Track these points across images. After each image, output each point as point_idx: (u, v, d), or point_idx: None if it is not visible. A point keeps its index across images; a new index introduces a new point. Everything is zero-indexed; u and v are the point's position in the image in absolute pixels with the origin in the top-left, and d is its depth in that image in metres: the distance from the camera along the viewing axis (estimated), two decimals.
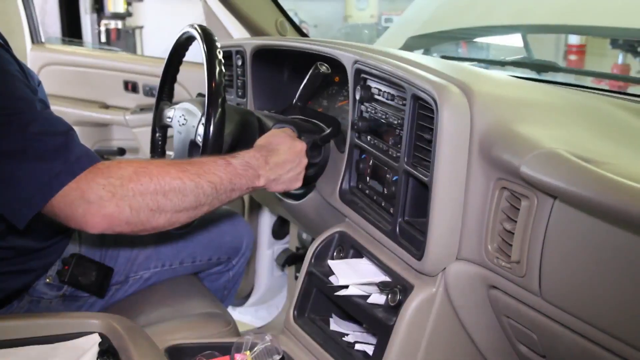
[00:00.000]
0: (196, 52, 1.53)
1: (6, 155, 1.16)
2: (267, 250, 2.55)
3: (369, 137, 1.44)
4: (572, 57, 5.92)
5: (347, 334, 1.42)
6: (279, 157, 1.43)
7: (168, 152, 1.72)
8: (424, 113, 1.22)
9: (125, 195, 1.20)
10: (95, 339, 1.18)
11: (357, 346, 1.38)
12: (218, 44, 1.44)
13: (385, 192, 1.38)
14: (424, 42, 2.60)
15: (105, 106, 2.88)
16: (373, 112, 1.42)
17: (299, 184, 1.48)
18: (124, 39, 6.79)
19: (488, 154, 1.11)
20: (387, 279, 1.33)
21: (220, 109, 1.36)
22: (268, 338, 1.27)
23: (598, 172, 0.91)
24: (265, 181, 1.40)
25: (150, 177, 1.23)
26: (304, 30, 2.54)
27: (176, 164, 1.29)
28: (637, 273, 0.90)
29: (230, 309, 2.07)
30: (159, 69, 1.71)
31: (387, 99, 1.37)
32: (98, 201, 1.18)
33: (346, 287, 1.35)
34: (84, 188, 1.18)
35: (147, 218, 1.24)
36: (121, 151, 2.86)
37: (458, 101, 1.14)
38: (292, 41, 1.83)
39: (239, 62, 1.96)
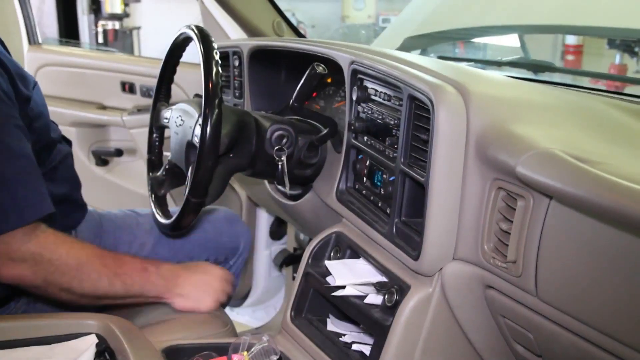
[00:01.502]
0: (193, 53, 1.53)
1: None
2: (265, 250, 2.55)
3: (365, 138, 1.44)
4: (570, 57, 5.92)
5: (344, 335, 1.42)
6: (192, 277, 1.54)
7: (165, 153, 1.73)
8: (420, 113, 1.23)
9: (45, 270, 1.34)
10: (93, 339, 1.18)
11: (354, 346, 1.38)
12: (215, 45, 1.44)
13: (382, 192, 1.38)
14: (421, 42, 2.60)
15: (103, 107, 2.88)
16: (370, 112, 1.42)
17: (208, 303, 1.54)
18: (121, 39, 6.78)
19: (484, 154, 1.11)
20: (383, 279, 1.33)
21: (217, 110, 1.36)
22: (265, 338, 1.27)
23: (594, 172, 0.91)
24: (174, 297, 1.51)
25: (77, 263, 1.37)
26: (302, 31, 2.54)
27: (102, 256, 1.43)
28: (633, 273, 0.90)
29: (227, 310, 2.07)
30: (156, 70, 1.72)
31: (383, 100, 1.37)
32: (19, 262, 1.31)
33: (343, 287, 1.35)
34: (13, 247, 1.31)
35: (54, 292, 1.39)
36: (118, 152, 2.86)
37: (454, 101, 1.14)
38: (289, 42, 1.84)
39: (236, 63, 1.96)
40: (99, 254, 1.43)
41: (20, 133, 1.34)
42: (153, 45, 6.58)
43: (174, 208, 1.57)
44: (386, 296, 1.29)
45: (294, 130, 1.56)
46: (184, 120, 1.53)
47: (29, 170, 1.33)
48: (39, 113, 1.48)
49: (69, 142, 1.67)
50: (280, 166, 1.55)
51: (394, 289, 1.28)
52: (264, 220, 2.52)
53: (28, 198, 1.31)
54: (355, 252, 1.44)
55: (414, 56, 1.70)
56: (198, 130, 1.42)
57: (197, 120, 1.46)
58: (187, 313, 1.58)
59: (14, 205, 1.29)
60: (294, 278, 1.54)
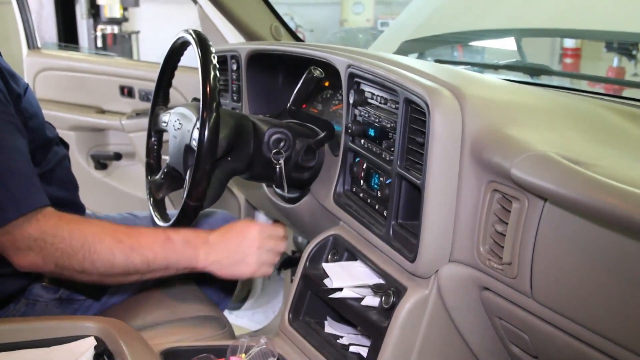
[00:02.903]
0: (191, 57, 1.54)
1: None
2: None
3: (362, 141, 1.45)
4: (568, 61, 5.93)
5: (341, 337, 1.43)
6: (223, 237, 1.40)
7: (163, 157, 1.73)
8: (417, 116, 1.23)
9: (52, 254, 1.28)
10: (91, 342, 1.19)
11: (352, 348, 1.38)
12: (213, 49, 1.45)
13: (379, 195, 1.39)
14: (418, 46, 2.61)
15: (102, 111, 2.89)
16: (366, 115, 1.43)
17: (246, 270, 1.41)
18: (120, 44, 6.78)
19: (479, 156, 1.12)
20: (380, 281, 1.34)
21: (215, 114, 1.37)
22: (263, 341, 1.28)
23: (588, 174, 0.92)
24: (205, 262, 1.37)
25: (83, 242, 1.28)
26: (300, 35, 2.55)
27: (114, 232, 1.32)
28: (627, 274, 0.90)
29: (226, 313, 2.07)
30: (155, 74, 1.72)
31: (380, 103, 1.38)
32: (26, 250, 1.27)
33: (340, 289, 1.36)
34: (16, 236, 1.26)
35: (73, 276, 1.32)
36: (117, 156, 2.87)
37: (450, 104, 1.15)
38: (287, 46, 1.84)
39: (234, 67, 1.97)
40: (110, 230, 1.33)
41: (13, 129, 1.34)
42: (152, 50, 6.58)
43: (173, 211, 1.57)
44: (383, 298, 1.29)
45: (292, 134, 1.57)
46: (182, 124, 1.54)
47: (21, 164, 1.31)
48: (33, 113, 1.48)
49: (66, 145, 1.67)
50: (278, 169, 1.56)
51: (391, 291, 1.28)
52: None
53: (22, 191, 1.29)
54: (353, 255, 1.44)
55: (410, 60, 1.70)
56: (196, 134, 1.42)
57: (195, 124, 1.46)
58: (183, 316, 1.59)
59: (11, 197, 1.27)
60: (292, 281, 1.54)
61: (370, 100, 1.42)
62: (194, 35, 1.48)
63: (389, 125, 1.35)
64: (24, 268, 1.30)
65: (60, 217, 1.31)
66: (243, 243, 1.40)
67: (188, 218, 1.45)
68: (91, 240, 1.29)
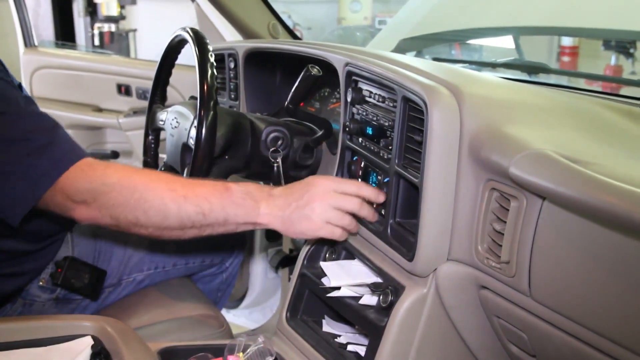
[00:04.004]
0: (189, 55, 1.53)
1: None
2: (261, 252, 2.55)
3: (360, 139, 1.44)
4: (565, 59, 5.93)
5: (339, 335, 1.43)
6: (287, 190, 1.29)
7: (161, 155, 1.73)
8: (414, 115, 1.23)
9: (105, 205, 1.21)
10: (88, 341, 1.18)
11: (350, 347, 1.38)
12: (210, 47, 1.45)
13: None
14: (416, 44, 2.61)
15: (99, 109, 2.89)
16: (364, 114, 1.43)
17: (309, 227, 1.27)
18: (117, 42, 6.78)
19: (477, 155, 1.11)
20: (378, 280, 1.34)
21: (212, 112, 1.37)
22: (261, 340, 1.27)
23: (586, 172, 0.91)
24: (266, 217, 1.26)
25: (132, 191, 1.21)
26: (298, 33, 2.55)
27: (167, 181, 1.24)
28: (625, 272, 0.90)
29: (224, 312, 2.07)
30: (152, 72, 1.72)
31: (378, 101, 1.37)
32: (81, 204, 1.21)
33: (338, 288, 1.36)
34: (69, 190, 1.20)
35: (128, 228, 1.24)
36: (115, 154, 2.87)
37: (447, 103, 1.15)
38: (284, 44, 1.84)
39: (232, 65, 1.96)
40: (162, 178, 1.24)
41: (31, 101, 1.31)
42: (149, 48, 6.57)
43: None
44: (381, 297, 1.29)
45: (289, 132, 1.57)
46: (179, 122, 1.54)
47: (49, 123, 1.26)
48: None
49: None
50: (275, 168, 1.56)
51: (389, 289, 1.28)
52: None
53: (70, 144, 1.24)
54: (351, 253, 1.44)
55: (408, 58, 1.70)
56: (193, 132, 1.42)
57: (193, 123, 1.46)
58: (181, 315, 1.59)
59: (66, 148, 1.21)
60: (289, 279, 1.54)
61: (368, 99, 1.41)
62: (191, 33, 1.48)
63: (386, 124, 1.35)
64: (85, 221, 1.23)
65: (108, 166, 1.24)
66: (306, 196, 1.26)
67: None
68: (141, 188, 1.21)
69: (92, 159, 1.24)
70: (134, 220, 1.22)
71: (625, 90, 2.50)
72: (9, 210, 1.20)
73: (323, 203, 1.26)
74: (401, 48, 2.48)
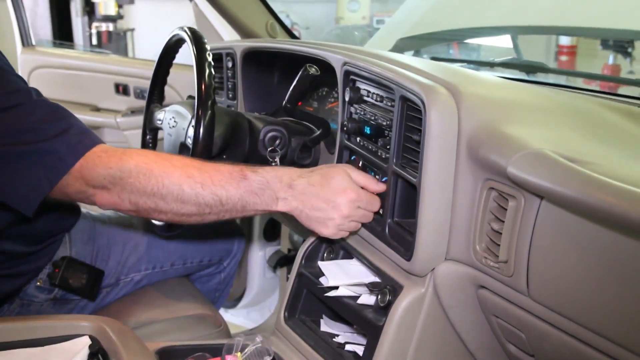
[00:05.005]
0: (187, 55, 1.53)
1: (10, 147, 1.16)
2: (259, 252, 2.55)
3: (358, 139, 1.44)
4: (563, 58, 5.93)
5: (337, 335, 1.43)
6: (310, 187, 1.28)
7: None
8: (412, 114, 1.23)
9: (123, 190, 1.20)
10: (86, 341, 1.18)
11: (348, 347, 1.38)
12: (208, 46, 1.45)
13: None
14: (414, 43, 2.61)
15: (97, 109, 2.88)
16: (362, 113, 1.43)
17: (323, 231, 1.30)
18: (115, 41, 6.77)
19: (476, 154, 1.11)
20: (376, 279, 1.34)
21: (210, 111, 1.37)
22: (259, 339, 1.27)
23: (584, 172, 0.91)
24: (285, 207, 1.27)
25: (149, 177, 1.20)
26: (296, 32, 2.55)
27: (184, 166, 1.24)
28: (624, 272, 0.90)
29: (222, 311, 2.07)
30: (150, 72, 1.72)
31: (376, 101, 1.37)
32: (101, 189, 1.20)
33: (336, 288, 1.35)
34: (86, 176, 1.19)
35: (147, 213, 1.25)
36: None
37: (446, 102, 1.15)
38: (282, 43, 1.84)
39: (229, 64, 1.96)
40: (180, 164, 1.23)
41: (39, 93, 1.32)
42: (147, 47, 6.57)
43: None
44: (379, 296, 1.29)
45: (287, 132, 1.57)
46: (177, 121, 1.53)
47: (63, 112, 1.25)
48: None
49: None
50: None
51: (387, 289, 1.28)
52: (257, 221, 2.52)
53: (84, 130, 1.23)
54: (349, 253, 1.44)
55: (406, 57, 1.70)
56: (191, 132, 1.42)
57: (190, 122, 1.46)
58: (179, 315, 1.58)
59: (81, 134, 1.20)
60: (287, 279, 1.54)
61: (366, 98, 1.41)
62: (189, 33, 1.48)
63: (384, 123, 1.35)
64: (107, 207, 1.23)
65: (124, 152, 1.23)
66: (330, 206, 1.27)
67: None
68: (158, 174, 1.20)
69: (107, 145, 1.24)
70: (153, 205, 1.22)
71: (623, 90, 2.50)
72: (24, 199, 1.20)
73: (346, 219, 1.29)
74: (399, 47, 2.48)
